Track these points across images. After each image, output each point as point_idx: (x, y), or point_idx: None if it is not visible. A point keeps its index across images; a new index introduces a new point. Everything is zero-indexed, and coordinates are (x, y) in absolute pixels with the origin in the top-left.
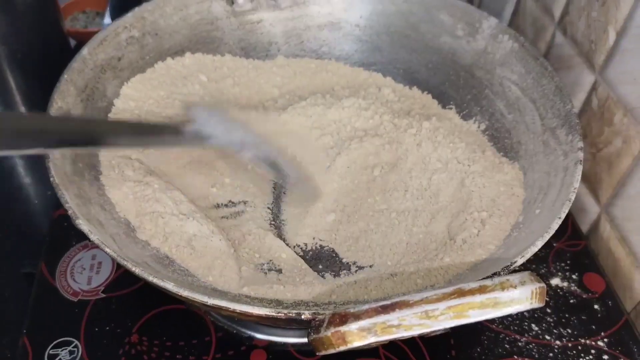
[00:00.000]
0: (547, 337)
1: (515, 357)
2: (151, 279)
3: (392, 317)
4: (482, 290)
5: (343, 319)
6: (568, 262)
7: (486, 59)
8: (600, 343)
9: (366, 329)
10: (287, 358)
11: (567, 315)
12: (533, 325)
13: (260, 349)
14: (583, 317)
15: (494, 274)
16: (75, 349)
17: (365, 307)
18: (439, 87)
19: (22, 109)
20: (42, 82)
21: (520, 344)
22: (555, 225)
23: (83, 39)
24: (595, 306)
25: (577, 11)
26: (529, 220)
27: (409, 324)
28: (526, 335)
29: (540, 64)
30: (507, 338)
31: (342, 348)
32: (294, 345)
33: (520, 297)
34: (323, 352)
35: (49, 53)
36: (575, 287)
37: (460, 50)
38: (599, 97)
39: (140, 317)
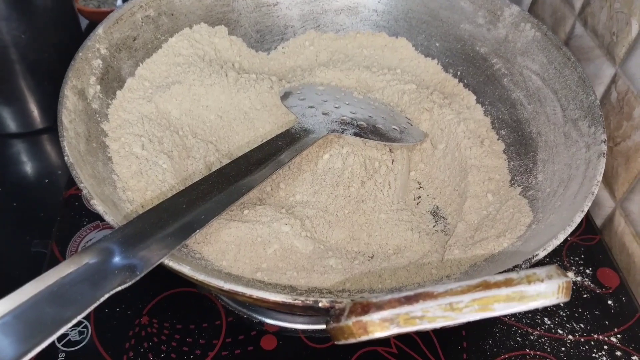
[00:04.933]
0: (560, 332)
1: (527, 350)
2: (166, 262)
3: (416, 309)
4: (507, 283)
5: (365, 308)
6: (582, 256)
7: (507, 47)
8: (613, 339)
9: (389, 320)
10: (297, 344)
11: (580, 310)
12: (546, 319)
13: (270, 334)
14: (596, 312)
15: (516, 267)
16: (85, 329)
17: (388, 297)
18: (457, 74)
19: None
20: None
21: (532, 337)
22: (577, 219)
23: (96, 18)
24: (609, 301)
25: (599, 2)
26: (548, 213)
27: (433, 315)
28: (538, 328)
29: (563, 54)
30: (519, 331)
31: (363, 338)
32: (304, 331)
33: (546, 291)
34: (342, 342)
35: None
36: (589, 282)
37: (481, 38)
38: (619, 90)
39: (151, 299)
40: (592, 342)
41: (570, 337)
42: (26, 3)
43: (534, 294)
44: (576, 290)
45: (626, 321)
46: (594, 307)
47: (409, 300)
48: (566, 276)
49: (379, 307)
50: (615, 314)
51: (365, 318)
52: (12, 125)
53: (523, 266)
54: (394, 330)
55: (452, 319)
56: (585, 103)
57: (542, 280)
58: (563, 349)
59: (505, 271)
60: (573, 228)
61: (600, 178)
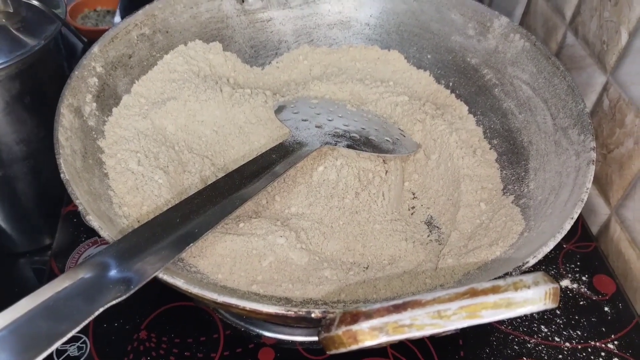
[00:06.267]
0: (557, 339)
1: (525, 358)
2: (161, 275)
3: (404, 317)
4: (494, 290)
5: (354, 317)
6: (578, 263)
7: (497, 58)
8: (610, 345)
9: (378, 328)
10: (295, 356)
11: (577, 317)
12: (542, 327)
13: (268, 347)
14: (593, 319)
15: (506, 274)
16: (84, 345)
17: (377, 306)
18: (449, 86)
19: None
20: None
21: (529, 345)
22: (567, 226)
23: (94, 36)
24: (606, 308)
25: (589, 11)
26: (539, 221)
27: (421, 323)
28: (535, 336)
29: (552, 64)
30: (516, 339)
31: (353, 347)
32: (301, 343)
33: (533, 298)
34: (333, 351)
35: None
36: (585, 289)
37: (471, 49)
38: (610, 98)
39: (149, 313)
40: (589, 349)
41: (567, 344)
42: (48, 100)
43: (521, 301)
44: (573, 298)
45: (623, 327)
46: (590, 314)
47: (398, 308)
48: (553, 282)
49: (368, 316)
50: (612, 320)
51: (354, 327)
52: (18, 244)
53: (513, 273)
54: (383, 339)
55: (440, 327)
56: (574, 111)
57: (528, 287)
58: (560, 356)
59: (495, 279)
60: (562, 235)
61: (589, 185)
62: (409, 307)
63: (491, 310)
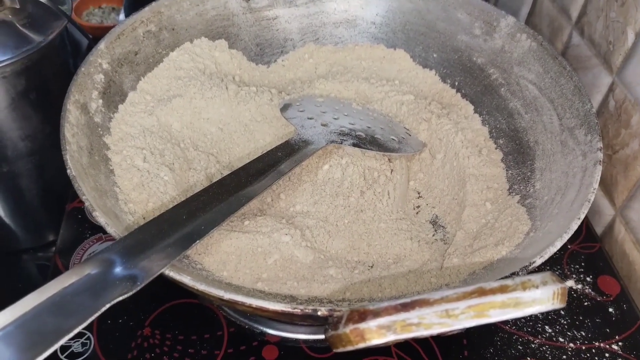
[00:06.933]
0: (561, 340)
1: (529, 358)
2: (167, 272)
3: (412, 315)
4: (503, 289)
5: (362, 316)
6: (582, 264)
7: (503, 57)
8: (614, 346)
9: (385, 327)
10: (298, 354)
11: (581, 318)
12: (547, 327)
13: (272, 344)
14: (597, 320)
15: (513, 274)
16: (88, 341)
17: (385, 304)
18: (454, 85)
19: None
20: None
21: (533, 345)
22: (574, 226)
23: (98, 33)
24: (610, 309)
25: (595, 11)
26: (546, 221)
27: (429, 322)
28: (540, 337)
29: (558, 63)
30: (520, 339)
31: (361, 345)
32: (305, 341)
33: (541, 298)
34: (340, 349)
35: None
36: (590, 290)
37: (477, 49)
38: (616, 98)
39: (153, 310)
40: (594, 350)
41: (571, 345)
42: (53, 97)
43: (529, 300)
44: (577, 298)
45: (627, 328)
46: (595, 314)
47: (406, 307)
48: (561, 282)
49: (376, 314)
50: (616, 321)
51: (362, 325)
52: (22, 240)
53: (520, 273)
54: (390, 337)
55: (448, 326)
56: (581, 112)
57: (537, 287)
58: (564, 357)
59: (502, 278)
60: (569, 235)
61: (596, 185)
62: (417, 305)
63: (499, 309)
